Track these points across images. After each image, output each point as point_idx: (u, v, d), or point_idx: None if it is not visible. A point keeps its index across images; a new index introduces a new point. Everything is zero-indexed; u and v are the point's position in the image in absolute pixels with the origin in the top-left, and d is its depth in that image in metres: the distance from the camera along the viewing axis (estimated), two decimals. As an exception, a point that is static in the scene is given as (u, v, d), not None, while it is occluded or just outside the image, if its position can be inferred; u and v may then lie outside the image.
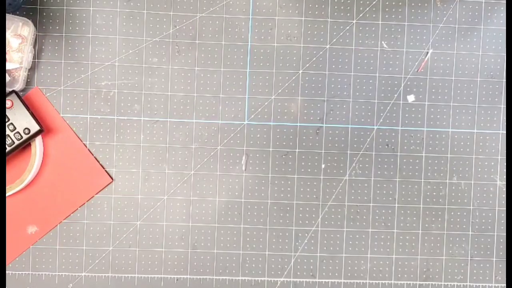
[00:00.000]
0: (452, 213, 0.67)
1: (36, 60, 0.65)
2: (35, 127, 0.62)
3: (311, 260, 0.67)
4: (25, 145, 0.62)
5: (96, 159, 0.65)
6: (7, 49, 0.62)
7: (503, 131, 0.67)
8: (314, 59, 0.66)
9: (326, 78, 0.67)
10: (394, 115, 0.67)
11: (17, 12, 0.64)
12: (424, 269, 0.67)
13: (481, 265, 0.67)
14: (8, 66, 0.62)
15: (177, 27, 0.66)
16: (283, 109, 0.66)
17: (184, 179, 0.66)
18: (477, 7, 0.67)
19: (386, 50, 0.67)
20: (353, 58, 0.67)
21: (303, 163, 0.66)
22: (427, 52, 0.67)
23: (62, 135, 0.65)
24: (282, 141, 0.66)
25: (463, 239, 0.67)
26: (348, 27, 0.67)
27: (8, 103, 0.61)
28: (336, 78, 0.67)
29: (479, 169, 0.67)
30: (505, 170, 0.67)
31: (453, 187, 0.67)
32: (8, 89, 0.62)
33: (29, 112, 0.62)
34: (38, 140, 0.63)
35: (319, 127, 0.67)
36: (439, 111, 0.67)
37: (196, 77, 0.66)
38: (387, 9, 0.67)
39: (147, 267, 0.66)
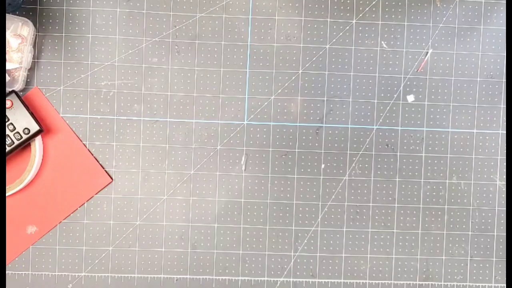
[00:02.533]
0: (452, 213, 0.67)
1: (36, 60, 0.65)
2: (34, 127, 0.62)
3: (311, 260, 0.67)
4: (25, 145, 0.62)
5: (96, 159, 0.65)
6: (6, 49, 0.62)
7: (503, 131, 0.67)
8: (314, 59, 0.66)
9: (326, 78, 0.67)
10: (394, 115, 0.67)
11: (17, 12, 0.64)
12: (424, 269, 0.67)
13: (481, 265, 0.67)
14: (8, 66, 0.62)
15: (177, 27, 0.66)
16: (283, 109, 0.66)
17: (184, 179, 0.66)
18: (477, 7, 0.67)
19: (386, 50, 0.67)
20: (353, 58, 0.67)
21: (302, 163, 0.66)
22: (427, 52, 0.67)
23: (62, 135, 0.65)
24: (281, 141, 0.66)
25: (463, 239, 0.67)
26: (348, 27, 0.67)
27: (8, 103, 0.61)
28: (336, 78, 0.67)
29: (479, 169, 0.67)
30: (505, 170, 0.67)
31: (453, 187, 0.67)
32: (8, 89, 0.62)
33: (29, 112, 0.62)
34: (38, 140, 0.63)
35: (319, 127, 0.67)
36: (439, 111, 0.67)
37: (196, 77, 0.66)
38: (387, 9, 0.67)
39: (147, 267, 0.66)
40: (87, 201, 0.65)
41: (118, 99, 0.66)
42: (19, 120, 0.61)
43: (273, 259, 0.66)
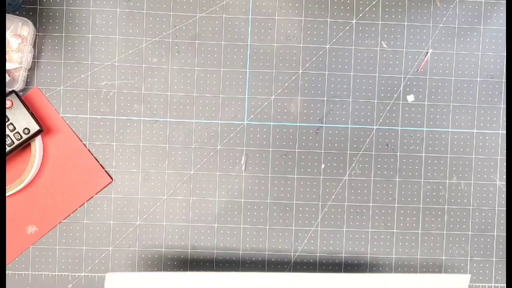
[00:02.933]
0: (452, 213, 0.67)
1: (36, 60, 0.65)
2: (34, 127, 0.62)
3: (311, 260, 0.67)
4: (25, 145, 0.62)
5: (95, 159, 0.65)
6: (6, 49, 0.62)
7: (503, 131, 0.67)
8: (314, 59, 0.66)
9: (326, 78, 0.67)
10: (394, 115, 0.67)
11: (17, 12, 0.64)
12: (424, 269, 0.67)
13: (481, 265, 0.67)
14: (8, 66, 0.62)
15: (177, 27, 0.66)
16: (283, 109, 0.66)
17: (184, 179, 0.66)
18: (477, 7, 0.67)
19: (386, 50, 0.67)
20: (353, 58, 0.67)
21: (302, 163, 0.66)
22: (427, 52, 0.67)
23: (62, 135, 0.65)
24: (281, 141, 0.66)
25: (463, 239, 0.67)
26: (348, 27, 0.67)
27: (8, 103, 0.61)
28: (336, 78, 0.67)
29: (479, 169, 0.67)
30: (505, 170, 0.67)
31: (453, 187, 0.67)
32: (8, 89, 0.62)
33: (29, 112, 0.62)
34: (38, 140, 0.63)
35: (319, 127, 0.67)
36: (439, 111, 0.67)
37: (196, 77, 0.66)
38: (387, 9, 0.67)
39: (147, 267, 0.66)
40: (87, 201, 0.65)
41: (118, 99, 0.66)
42: (19, 120, 0.61)
43: (273, 259, 0.66)
